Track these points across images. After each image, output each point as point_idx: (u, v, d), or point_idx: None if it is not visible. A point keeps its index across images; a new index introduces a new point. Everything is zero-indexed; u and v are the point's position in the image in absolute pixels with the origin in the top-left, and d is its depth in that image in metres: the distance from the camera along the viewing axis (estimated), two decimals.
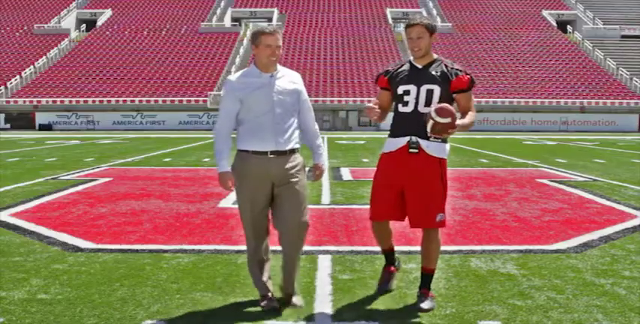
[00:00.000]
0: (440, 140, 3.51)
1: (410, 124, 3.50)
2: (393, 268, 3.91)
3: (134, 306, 3.57)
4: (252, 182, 3.45)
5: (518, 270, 4.39)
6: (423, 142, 3.49)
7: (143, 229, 5.90)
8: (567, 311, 3.50)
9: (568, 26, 53.91)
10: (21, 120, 39.45)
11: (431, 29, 3.50)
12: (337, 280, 4.13)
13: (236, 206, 3.84)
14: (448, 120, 3.29)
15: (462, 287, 3.96)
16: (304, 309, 3.52)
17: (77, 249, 5.02)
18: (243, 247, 4.89)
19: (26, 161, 13.55)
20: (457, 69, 3.55)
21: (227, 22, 55.30)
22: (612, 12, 56.43)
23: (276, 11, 56.48)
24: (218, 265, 4.52)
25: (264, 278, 3.60)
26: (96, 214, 6.74)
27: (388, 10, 56.70)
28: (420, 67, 3.58)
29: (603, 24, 53.28)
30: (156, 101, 40.27)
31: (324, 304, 3.62)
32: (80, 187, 8.94)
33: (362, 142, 23.46)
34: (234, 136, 3.53)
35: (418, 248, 4.02)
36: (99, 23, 53.77)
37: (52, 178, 10.13)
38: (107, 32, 51.35)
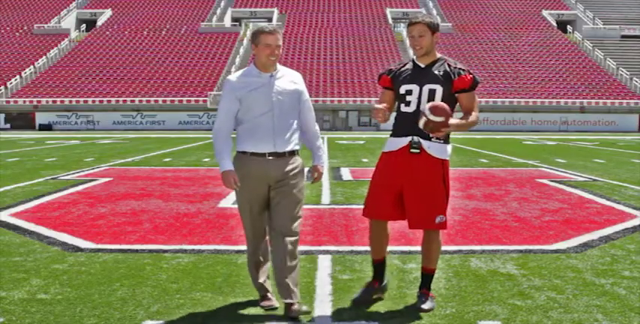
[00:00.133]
0: (442, 141, 3.48)
1: (412, 124, 3.45)
2: (377, 283, 3.71)
3: (134, 306, 3.57)
4: (250, 184, 3.42)
5: (518, 270, 4.39)
6: (424, 143, 3.46)
7: (143, 229, 5.90)
8: (567, 311, 3.50)
9: (568, 26, 53.91)
10: (21, 120, 39.44)
11: (433, 28, 3.45)
12: (337, 280, 4.13)
13: (236, 206, 3.84)
14: (441, 119, 3.27)
15: (462, 287, 3.96)
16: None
17: (77, 249, 5.02)
18: (243, 247, 4.90)
19: (26, 161, 13.55)
20: (460, 68, 3.50)
21: (227, 22, 55.29)
22: (612, 12, 56.43)
23: (276, 11, 56.48)
24: (218, 265, 4.52)
25: (261, 280, 3.59)
26: (96, 214, 6.74)
27: (388, 10, 56.70)
28: (422, 66, 3.53)
29: (603, 24, 53.27)
30: (156, 101, 40.26)
31: (324, 304, 3.62)
32: (80, 187, 8.94)
33: (362, 142, 23.47)
34: (234, 136, 3.51)
35: (418, 248, 4.02)
36: (99, 23, 53.77)
37: (52, 178, 10.13)
38: (107, 32, 51.35)
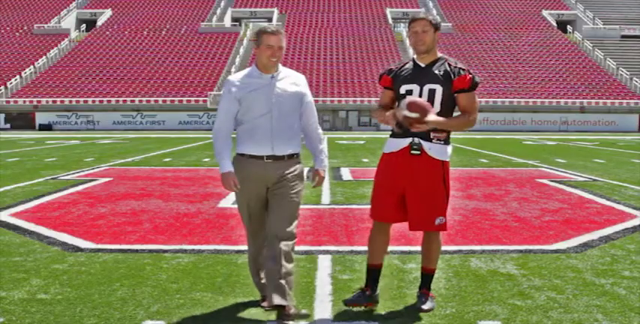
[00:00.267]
0: (442, 142, 3.46)
1: None
2: (369, 290, 3.56)
3: (134, 306, 3.57)
4: (249, 186, 3.40)
5: (518, 270, 4.39)
6: (425, 144, 3.43)
7: (143, 229, 5.90)
8: (567, 311, 3.50)
9: (568, 26, 53.91)
10: (21, 120, 39.44)
11: (435, 25, 3.43)
12: (337, 280, 4.13)
13: (236, 206, 3.83)
14: (415, 115, 3.24)
15: (462, 287, 3.96)
16: (304, 308, 3.51)
17: (77, 249, 5.02)
18: (243, 247, 4.91)
19: (26, 161, 13.55)
20: (460, 68, 3.46)
21: (227, 22, 55.29)
22: (612, 12, 56.44)
23: (276, 11, 56.48)
24: (218, 265, 4.52)
25: (263, 280, 3.58)
26: (96, 214, 6.74)
27: (388, 10, 56.70)
28: (423, 65, 3.50)
29: (603, 24, 53.28)
30: (156, 101, 40.26)
31: (324, 304, 3.62)
32: (80, 187, 8.95)
33: (362, 142, 23.47)
34: (234, 136, 3.51)
35: (418, 248, 4.02)
36: (99, 23, 53.77)
37: (52, 178, 10.13)
38: (107, 32, 51.35)
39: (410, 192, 3.47)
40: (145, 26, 52.84)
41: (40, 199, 7.72)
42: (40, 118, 39.38)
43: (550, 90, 42.18)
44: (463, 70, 3.46)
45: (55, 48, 47.65)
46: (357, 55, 47.19)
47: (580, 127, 39.74)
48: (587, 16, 55.29)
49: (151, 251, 4.95)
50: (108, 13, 55.96)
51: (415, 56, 3.57)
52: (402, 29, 51.95)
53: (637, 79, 43.55)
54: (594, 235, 5.64)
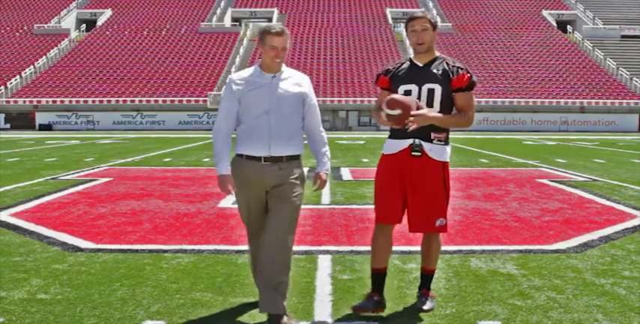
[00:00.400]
0: (442, 143, 3.44)
1: None
2: (376, 295, 3.50)
3: (134, 306, 3.57)
4: (247, 188, 3.35)
5: (519, 270, 4.39)
6: (426, 145, 3.40)
7: (143, 229, 5.90)
8: (567, 311, 3.50)
9: (568, 26, 53.90)
10: (21, 120, 39.43)
11: (434, 24, 3.43)
12: (337, 280, 4.13)
13: (236, 206, 3.83)
14: (397, 112, 3.22)
15: (462, 287, 3.96)
16: (304, 308, 3.51)
17: (77, 249, 5.02)
18: (243, 247, 4.91)
19: (26, 161, 13.55)
20: (459, 67, 3.43)
21: (227, 22, 55.28)
22: (612, 12, 56.43)
23: (276, 11, 56.47)
24: (218, 265, 4.52)
25: None
26: (96, 214, 6.74)
27: (388, 10, 56.70)
28: (420, 65, 3.47)
29: (603, 24, 53.27)
30: (156, 101, 40.25)
31: (324, 304, 3.62)
32: (80, 187, 8.95)
33: (362, 142, 23.46)
34: (234, 136, 3.49)
35: (418, 248, 4.01)
36: (99, 23, 53.76)
37: (52, 178, 10.13)
38: (107, 32, 51.34)
39: (410, 193, 3.45)
40: (145, 26, 52.83)
41: (40, 199, 7.72)
42: (40, 118, 39.37)
43: (550, 90, 42.18)
44: (461, 69, 3.44)
45: (55, 48, 47.64)
46: (357, 55, 47.18)
47: (580, 127, 39.73)
48: (587, 16, 55.29)
49: (151, 251, 4.95)
50: (108, 13, 55.95)
51: (413, 56, 3.55)
52: (402, 29, 51.74)
53: (637, 79, 43.54)
54: (594, 235, 5.64)
